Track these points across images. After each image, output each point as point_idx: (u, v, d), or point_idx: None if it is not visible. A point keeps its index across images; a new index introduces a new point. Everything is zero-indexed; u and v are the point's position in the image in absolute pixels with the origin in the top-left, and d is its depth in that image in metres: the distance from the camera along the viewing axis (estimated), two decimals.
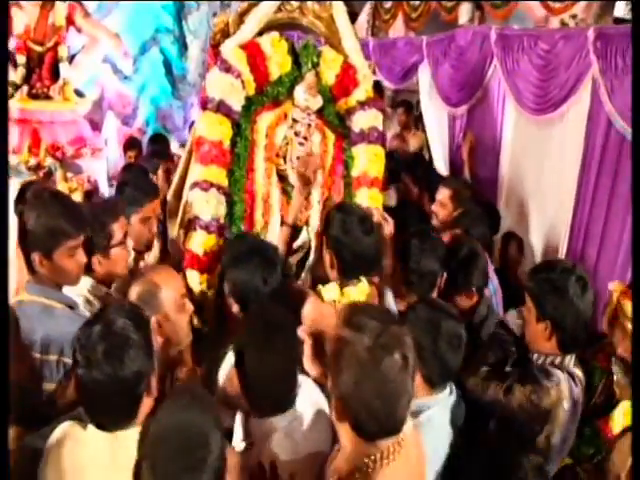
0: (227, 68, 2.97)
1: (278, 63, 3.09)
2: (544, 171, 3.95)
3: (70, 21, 5.82)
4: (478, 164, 4.42)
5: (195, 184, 2.79)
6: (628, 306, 1.82)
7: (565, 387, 1.80)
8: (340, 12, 3.41)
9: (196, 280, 2.68)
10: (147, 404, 1.55)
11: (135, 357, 1.49)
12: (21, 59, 5.62)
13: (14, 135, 5.27)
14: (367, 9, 7.84)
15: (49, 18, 5.72)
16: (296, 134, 3.07)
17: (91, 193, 5.38)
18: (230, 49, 3.05)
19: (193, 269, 2.70)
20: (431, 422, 1.72)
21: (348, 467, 1.43)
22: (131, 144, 5.59)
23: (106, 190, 5.86)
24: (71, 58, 6.11)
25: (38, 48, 5.82)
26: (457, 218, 3.43)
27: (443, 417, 1.78)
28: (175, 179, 3.17)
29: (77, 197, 4.93)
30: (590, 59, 3.48)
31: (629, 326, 1.79)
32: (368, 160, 3.24)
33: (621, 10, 4.86)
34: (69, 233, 2.01)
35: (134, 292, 2.06)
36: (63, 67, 5.95)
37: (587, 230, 3.69)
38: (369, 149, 3.25)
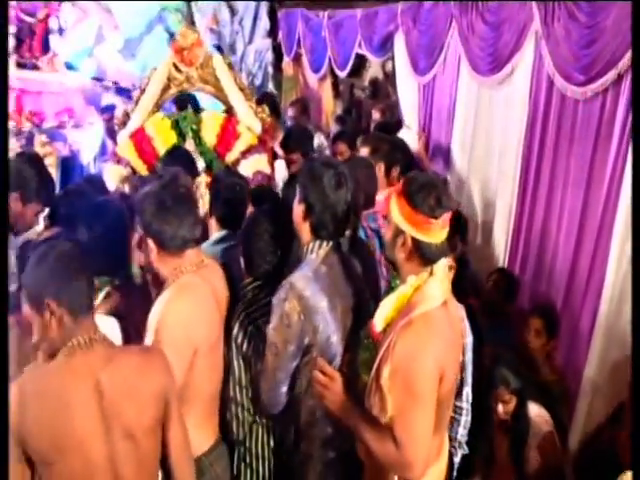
0: (118, 160, 3.42)
1: (162, 141, 3.47)
2: (494, 134, 3.77)
3: None
4: (434, 134, 4.29)
5: None
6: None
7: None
8: (221, 70, 3.75)
9: None
10: None
11: None
12: (11, 29, 5.75)
13: None
14: None
15: None
16: None
17: (68, 160, 5.52)
18: (121, 142, 3.52)
19: None
20: None
21: None
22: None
23: (89, 160, 5.93)
24: (63, 31, 6.23)
25: (29, 19, 5.95)
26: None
27: None
28: None
29: (50, 161, 5.08)
30: (533, 12, 3.28)
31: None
32: None
33: None
34: None
35: None
36: (53, 39, 6.08)
37: (534, 194, 3.49)
38: None
